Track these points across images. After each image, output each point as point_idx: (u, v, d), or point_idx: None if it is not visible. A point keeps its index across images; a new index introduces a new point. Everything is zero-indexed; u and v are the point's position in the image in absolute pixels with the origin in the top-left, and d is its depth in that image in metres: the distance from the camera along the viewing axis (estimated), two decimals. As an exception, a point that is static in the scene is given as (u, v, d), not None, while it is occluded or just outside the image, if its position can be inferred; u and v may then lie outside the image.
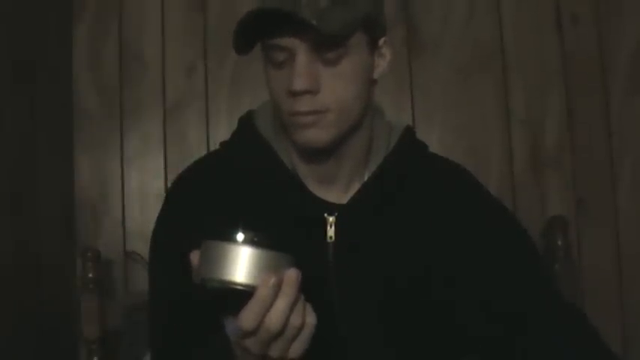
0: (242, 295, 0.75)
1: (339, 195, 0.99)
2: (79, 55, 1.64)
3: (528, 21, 1.65)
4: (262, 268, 0.75)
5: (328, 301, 0.95)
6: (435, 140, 1.58)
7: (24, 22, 1.43)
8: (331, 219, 0.97)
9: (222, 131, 1.57)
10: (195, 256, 0.79)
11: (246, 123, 1.03)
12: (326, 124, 0.91)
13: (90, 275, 1.37)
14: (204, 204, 1.00)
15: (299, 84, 0.88)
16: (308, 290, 0.94)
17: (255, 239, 0.76)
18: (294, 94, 0.89)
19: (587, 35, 1.64)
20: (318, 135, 0.92)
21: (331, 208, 0.98)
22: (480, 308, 0.98)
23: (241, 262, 0.75)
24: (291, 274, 0.76)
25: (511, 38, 1.65)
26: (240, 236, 0.76)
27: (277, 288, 0.75)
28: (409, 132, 1.04)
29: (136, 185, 1.63)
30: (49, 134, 1.53)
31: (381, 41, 0.97)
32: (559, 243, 1.43)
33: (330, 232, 0.97)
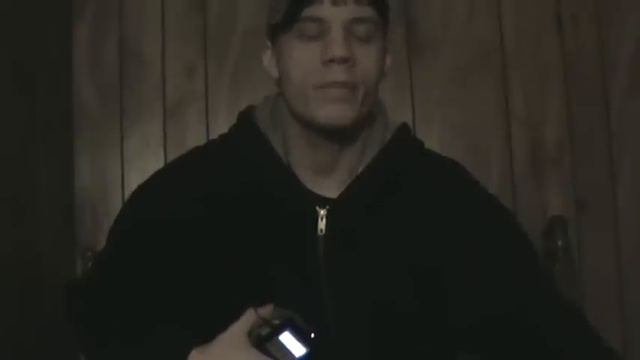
0: None
1: (333, 189, 1.00)
2: (79, 55, 1.64)
3: (528, 21, 1.65)
4: None
5: (318, 294, 0.96)
6: (434, 140, 1.58)
7: (24, 22, 1.43)
8: (322, 212, 0.98)
9: (222, 131, 1.56)
10: None
11: (245, 116, 1.04)
12: (355, 100, 0.93)
13: (90, 275, 1.37)
14: (197, 189, 1.01)
15: (340, 50, 0.91)
16: (298, 284, 0.95)
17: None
18: (332, 61, 0.91)
19: (587, 35, 1.64)
20: (345, 111, 0.93)
21: (323, 201, 0.98)
22: (475, 305, 0.98)
23: None
24: None
25: (511, 38, 1.65)
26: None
27: None
28: (404, 128, 1.05)
29: (135, 185, 1.62)
30: (49, 134, 1.52)
31: (386, 44, 0.99)
32: (559, 243, 1.43)
33: (321, 224, 0.97)
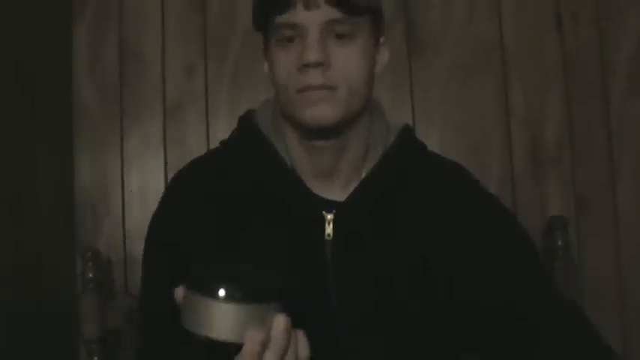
0: (230, 347, 0.73)
1: (337, 192, 1.00)
2: (79, 55, 1.64)
3: (528, 20, 1.65)
4: (248, 322, 0.73)
5: (326, 299, 0.96)
6: (434, 139, 1.58)
7: (24, 22, 1.43)
8: (329, 216, 0.97)
9: (222, 131, 1.57)
10: (179, 293, 0.77)
11: (246, 121, 1.04)
12: (335, 100, 0.93)
13: (90, 275, 1.38)
14: (201, 202, 1.00)
15: (312, 55, 0.90)
16: (305, 289, 0.94)
17: (238, 294, 0.73)
18: (307, 66, 0.91)
19: (587, 35, 1.64)
20: (326, 111, 0.93)
21: (330, 205, 0.98)
22: (478, 307, 0.98)
23: (226, 319, 0.73)
24: (279, 324, 0.74)
25: (511, 37, 1.65)
26: (222, 292, 0.73)
27: (265, 342, 0.74)
28: (407, 130, 1.05)
29: (136, 185, 1.63)
30: (49, 134, 1.52)
31: (382, 39, 0.99)
32: (559, 243, 1.42)
33: (329, 229, 0.97)
